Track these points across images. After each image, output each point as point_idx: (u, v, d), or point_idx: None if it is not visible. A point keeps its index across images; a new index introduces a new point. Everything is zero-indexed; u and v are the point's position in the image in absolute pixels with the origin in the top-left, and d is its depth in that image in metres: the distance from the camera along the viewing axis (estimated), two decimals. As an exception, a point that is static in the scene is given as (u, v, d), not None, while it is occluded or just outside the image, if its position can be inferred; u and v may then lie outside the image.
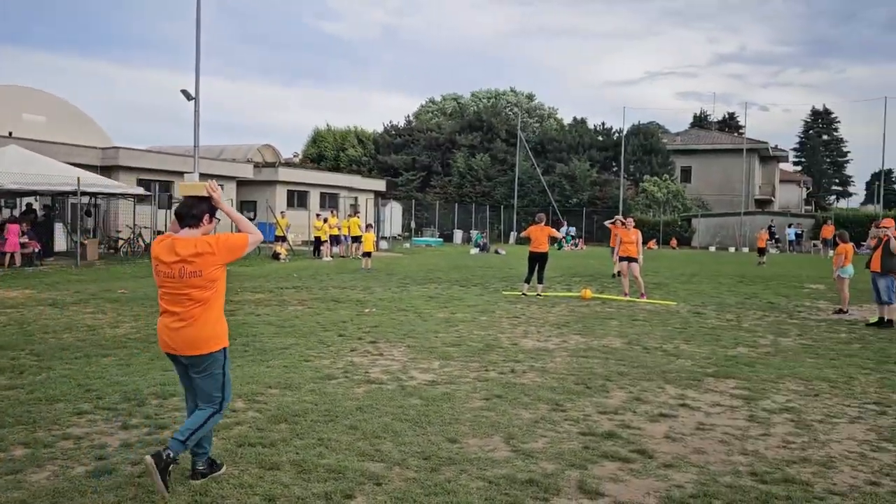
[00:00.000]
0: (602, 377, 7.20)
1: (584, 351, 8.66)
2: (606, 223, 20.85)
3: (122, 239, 24.38)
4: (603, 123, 55.20)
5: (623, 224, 18.26)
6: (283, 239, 26.20)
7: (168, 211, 24.10)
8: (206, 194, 4.20)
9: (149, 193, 23.71)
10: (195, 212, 4.17)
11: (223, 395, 4.25)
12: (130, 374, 6.83)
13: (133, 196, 23.83)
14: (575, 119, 56.32)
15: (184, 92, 24.12)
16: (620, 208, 44.14)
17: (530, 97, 62.70)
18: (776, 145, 60.63)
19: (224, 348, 4.23)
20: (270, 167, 38.49)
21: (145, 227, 23.82)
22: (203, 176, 26.12)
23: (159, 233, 23.44)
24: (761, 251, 28.88)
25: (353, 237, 26.84)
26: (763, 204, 56.77)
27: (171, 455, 3.97)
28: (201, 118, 22.75)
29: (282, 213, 28.82)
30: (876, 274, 11.52)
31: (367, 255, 21.30)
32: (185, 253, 4.04)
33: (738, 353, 8.79)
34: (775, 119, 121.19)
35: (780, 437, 5.36)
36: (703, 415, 5.94)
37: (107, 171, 27.35)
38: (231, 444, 4.84)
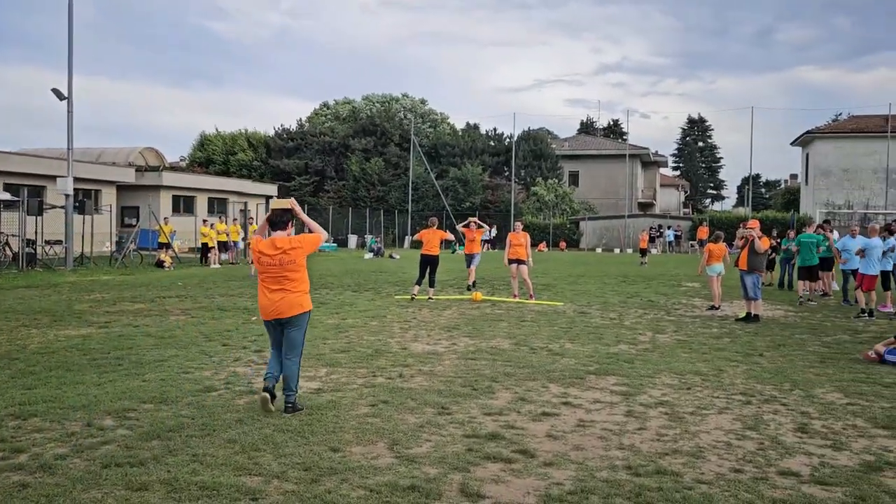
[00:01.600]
0: (489, 378, 7.28)
1: (472, 353, 8.74)
2: (458, 226, 18.76)
3: (-15, 248, 22.56)
4: (495, 129, 56.37)
5: (479, 227, 17.81)
6: (168, 246, 25.11)
7: (39, 217, 22.56)
8: (290, 207, 5.99)
9: (16, 199, 22.08)
10: (284, 219, 6.00)
11: (303, 343, 6.08)
12: (-14, 394, 6.31)
13: (-2, 202, 22.15)
14: (468, 124, 57.23)
15: (55, 91, 22.71)
16: (512, 212, 45.13)
17: (423, 102, 63.03)
18: (656, 151, 63.83)
19: (310, 310, 6.01)
20: (154, 171, 36.81)
21: (13, 236, 22.12)
22: (77, 180, 24.63)
23: (30, 241, 21.98)
24: (643, 252, 30.23)
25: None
26: (645, 207, 59.57)
27: (293, 399, 5.88)
28: (79, 120, 21.48)
29: (165, 219, 27.63)
30: (743, 272, 12.27)
31: (257, 261, 20.72)
32: (283, 247, 5.85)
33: (620, 350, 9.13)
34: (655, 126, 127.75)
35: (654, 431, 5.58)
36: (584, 412, 6.11)
37: (-32, 175, 25.37)
38: (95, 465, 4.54)
